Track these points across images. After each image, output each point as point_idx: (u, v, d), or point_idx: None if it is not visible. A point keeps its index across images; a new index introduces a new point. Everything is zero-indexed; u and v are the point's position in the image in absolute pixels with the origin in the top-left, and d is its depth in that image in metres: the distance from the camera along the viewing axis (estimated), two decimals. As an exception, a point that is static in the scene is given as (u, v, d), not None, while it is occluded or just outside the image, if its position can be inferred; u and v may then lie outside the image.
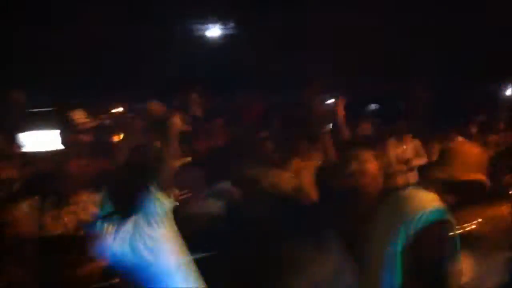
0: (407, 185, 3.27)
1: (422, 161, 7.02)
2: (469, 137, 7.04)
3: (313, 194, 5.14)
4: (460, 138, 6.79)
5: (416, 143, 7.17)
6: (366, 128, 7.15)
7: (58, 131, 4.29)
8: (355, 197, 3.12)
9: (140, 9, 10.17)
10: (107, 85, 10.05)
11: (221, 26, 12.36)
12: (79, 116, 4.09)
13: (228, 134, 7.08)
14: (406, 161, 7.01)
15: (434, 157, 7.26)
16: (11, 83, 10.32)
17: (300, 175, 6.64)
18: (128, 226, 3.11)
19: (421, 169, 6.73)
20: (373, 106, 16.60)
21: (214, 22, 12.18)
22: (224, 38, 12.45)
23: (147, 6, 10.22)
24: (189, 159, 4.67)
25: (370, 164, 3.10)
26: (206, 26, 12.29)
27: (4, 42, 9.26)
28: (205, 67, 11.29)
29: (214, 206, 4.03)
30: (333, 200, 3.29)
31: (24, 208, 3.73)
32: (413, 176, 6.84)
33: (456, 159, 3.39)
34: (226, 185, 4.23)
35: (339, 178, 3.24)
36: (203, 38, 12.51)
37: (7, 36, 9.32)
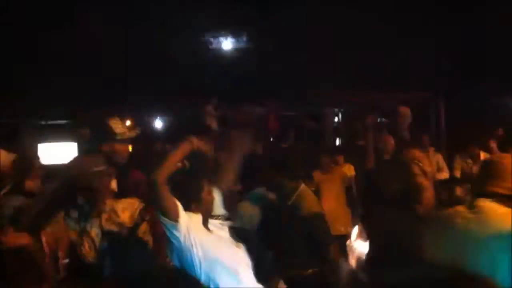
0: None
1: (444, 175, 6.97)
2: (489, 151, 6.99)
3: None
4: (482, 153, 6.75)
5: (438, 156, 7.13)
6: (388, 141, 7.10)
7: (91, 141, 4.25)
8: (415, 198, 3.10)
9: (159, 22, 10.23)
10: (124, 95, 10.13)
11: (236, 38, 12.39)
12: (117, 125, 4.02)
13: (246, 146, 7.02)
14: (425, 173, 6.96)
15: (457, 172, 7.26)
16: (29, 93, 10.47)
17: (322, 188, 6.67)
18: None
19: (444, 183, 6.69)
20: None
21: (229, 33, 12.22)
22: (241, 49, 12.47)
23: (167, 19, 10.28)
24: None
25: (429, 166, 3.09)
26: (222, 37, 12.33)
27: (23, 49, 9.32)
28: (221, 78, 11.32)
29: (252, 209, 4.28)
30: (385, 202, 3.29)
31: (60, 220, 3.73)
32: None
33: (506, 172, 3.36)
34: (261, 190, 4.47)
35: (393, 180, 3.23)
36: (219, 50, 12.54)
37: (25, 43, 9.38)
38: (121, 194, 3.90)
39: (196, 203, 3.39)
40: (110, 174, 3.87)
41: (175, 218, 3.22)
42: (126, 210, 3.76)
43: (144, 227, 3.81)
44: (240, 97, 10.87)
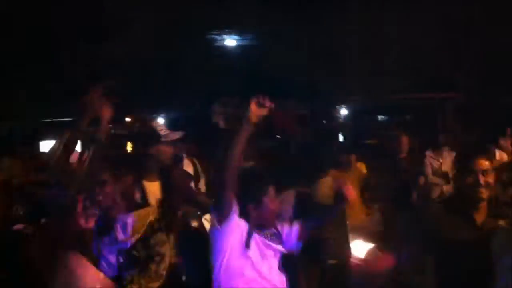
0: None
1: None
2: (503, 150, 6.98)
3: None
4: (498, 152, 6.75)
5: (452, 155, 7.13)
6: (404, 141, 7.14)
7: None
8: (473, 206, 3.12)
9: (175, 22, 10.24)
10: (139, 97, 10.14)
11: (250, 36, 12.37)
12: (161, 127, 4.08)
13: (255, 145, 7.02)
14: (443, 174, 6.98)
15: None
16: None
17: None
18: None
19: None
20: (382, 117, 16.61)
21: (243, 31, 12.19)
22: (254, 47, 12.44)
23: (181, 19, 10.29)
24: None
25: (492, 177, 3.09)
26: (234, 36, 12.31)
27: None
28: (233, 77, 11.32)
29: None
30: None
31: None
32: (449, 189, 6.81)
33: None
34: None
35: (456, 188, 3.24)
36: (231, 49, 12.52)
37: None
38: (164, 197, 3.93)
39: (254, 206, 3.22)
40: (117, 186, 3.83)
41: (225, 218, 3.11)
42: (137, 223, 3.67)
43: (160, 237, 3.74)
44: (248, 95, 10.89)
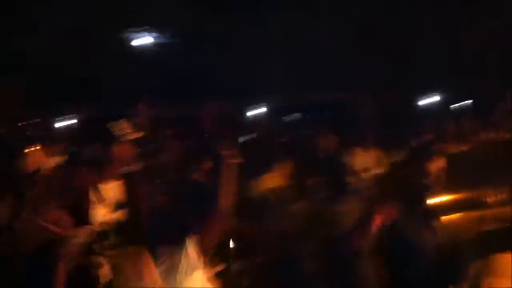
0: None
1: (381, 170, 7.18)
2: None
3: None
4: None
5: (378, 153, 7.35)
6: (331, 140, 7.27)
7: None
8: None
9: (90, 20, 10.01)
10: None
11: (168, 35, 12.29)
12: (124, 127, 4.03)
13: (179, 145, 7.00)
14: (365, 170, 7.15)
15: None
16: None
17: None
18: None
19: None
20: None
21: (161, 31, 12.09)
22: (171, 47, 12.37)
23: (96, 17, 10.06)
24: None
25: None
26: (151, 35, 12.18)
27: None
28: (152, 77, 11.20)
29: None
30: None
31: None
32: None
33: None
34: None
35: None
36: (148, 48, 12.38)
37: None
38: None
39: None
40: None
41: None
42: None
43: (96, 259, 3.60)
44: (168, 95, 10.81)
